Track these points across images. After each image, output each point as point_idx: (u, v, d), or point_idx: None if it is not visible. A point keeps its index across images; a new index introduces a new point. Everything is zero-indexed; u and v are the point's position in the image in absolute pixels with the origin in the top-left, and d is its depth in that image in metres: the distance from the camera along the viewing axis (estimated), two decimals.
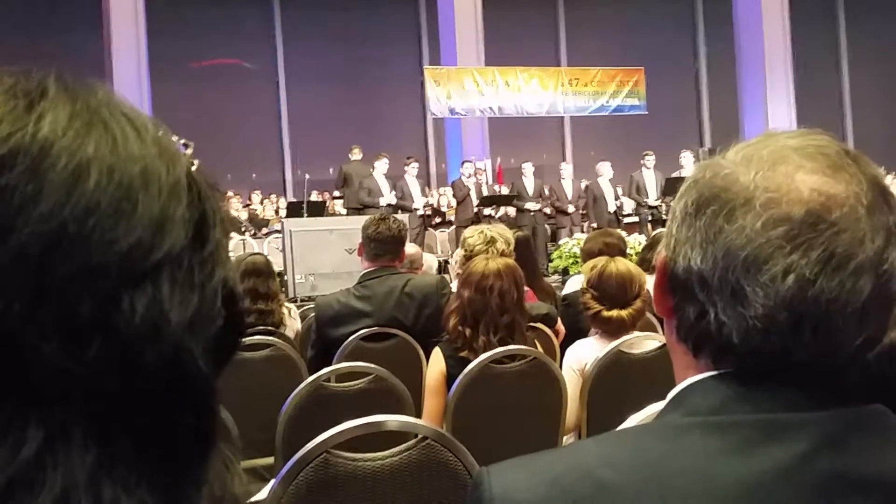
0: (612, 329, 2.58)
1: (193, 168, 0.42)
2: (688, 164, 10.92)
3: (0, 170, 0.34)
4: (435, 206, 11.63)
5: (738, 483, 0.56)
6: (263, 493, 1.42)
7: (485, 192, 10.55)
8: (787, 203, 0.60)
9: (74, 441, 0.34)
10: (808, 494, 0.57)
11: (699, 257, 0.62)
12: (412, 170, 10.03)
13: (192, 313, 0.38)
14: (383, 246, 3.07)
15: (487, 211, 9.98)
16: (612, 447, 0.62)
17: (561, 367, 2.59)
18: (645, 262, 3.94)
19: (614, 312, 2.56)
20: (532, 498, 0.58)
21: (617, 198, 11.04)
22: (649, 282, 3.70)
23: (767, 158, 0.63)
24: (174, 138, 0.43)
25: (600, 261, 2.67)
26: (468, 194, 10.21)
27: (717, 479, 0.57)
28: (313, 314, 3.24)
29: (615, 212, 10.92)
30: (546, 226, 10.85)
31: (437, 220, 11.38)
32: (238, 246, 9.14)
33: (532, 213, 10.49)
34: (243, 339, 0.45)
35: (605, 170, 11.13)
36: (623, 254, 3.77)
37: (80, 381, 0.34)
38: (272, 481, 1.42)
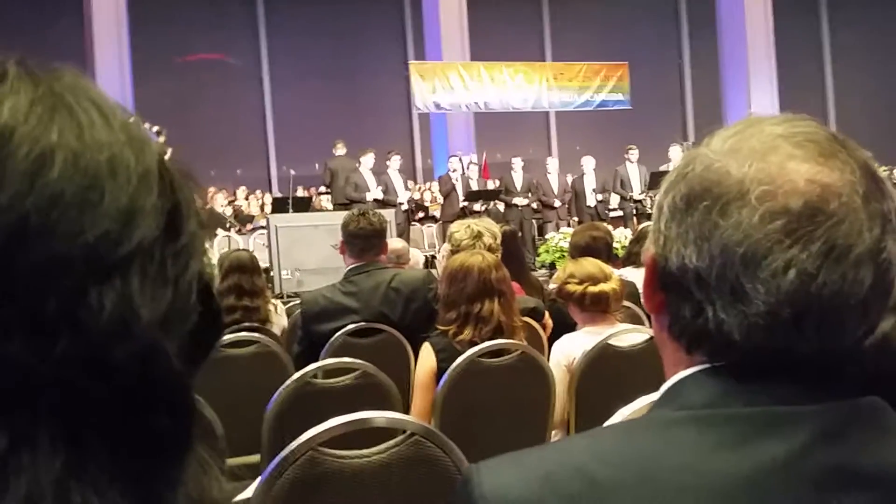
0: (602, 307, 2.60)
1: (166, 156, 0.40)
2: (676, 158, 10.95)
3: None
4: (418, 200, 11.59)
5: (733, 477, 0.55)
6: (249, 492, 1.40)
7: (473, 187, 10.53)
8: (783, 195, 0.58)
9: (41, 445, 0.33)
10: (804, 489, 0.55)
11: (694, 255, 0.60)
12: (395, 163, 10.00)
13: (165, 309, 0.36)
14: (366, 241, 3.06)
15: (476, 206, 9.94)
16: (604, 443, 0.61)
17: (549, 360, 2.58)
18: (632, 256, 3.95)
19: (600, 286, 2.58)
20: (523, 495, 0.57)
21: (603, 191, 11.06)
22: (634, 274, 3.72)
23: (758, 148, 0.61)
24: (146, 125, 0.41)
25: (568, 262, 2.85)
26: (453, 189, 10.20)
27: (711, 473, 0.56)
28: (299, 310, 3.22)
29: (596, 206, 10.94)
30: (533, 220, 10.86)
31: (420, 214, 11.34)
32: (223, 242, 9.08)
33: (520, 208, 10.49)
34: (222, 336, 0.43)
35: (588, 165, 11.15)
36: (609, 247, 3.78)
37: (46, 381, 0.33)
38: (257, 479, 1.40)
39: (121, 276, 0.34)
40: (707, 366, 0.62)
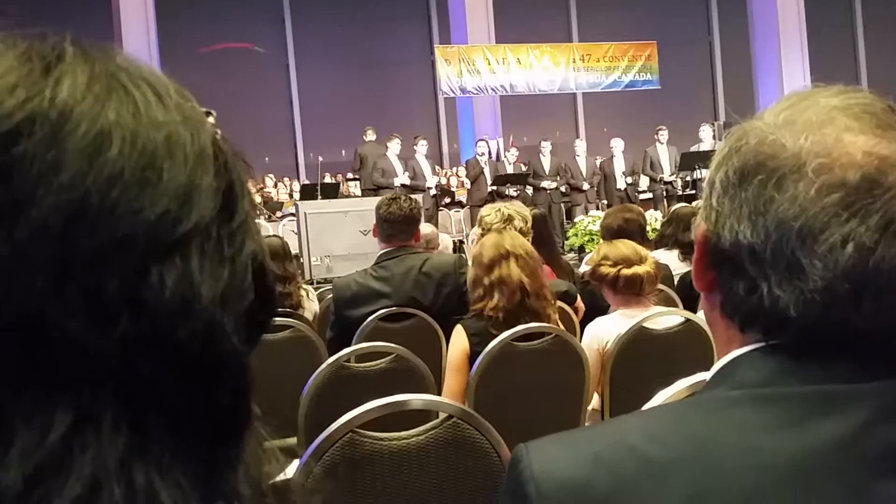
0: (636, 291, 2.57)
1: (218, 136, 0.40)
2: (706, 138, 10.79)
3: (17, 137, 0.32)
4: (444, 185, 11.58)
5: (790, 457, 0.54)
6: (289, 472, 1.42)
7: (509, 170, 10.48)
8: (840, 168, 0.57)
9: (104, 424, 0.33)
10: (863, 468, 0.54)
11: (749, 230, 0.59)
12: (422, 148, 10.00)
13: (224, 287, 0.36)
14: (396, 226, 3.05)
15: (510, 191, 9.88)
16: (656, 422, 0.60)
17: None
18: (664, 238, 3.91)
19: (634, 269, 2.55)
20: (574, 475, 0.56)
21: (632, 174, 10.95)
22: (667, 257, 3.67)
23: (813, 121, 0.60)
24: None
25: (602, 243, 2.81)
26: (481, 173, 10.17)
27: (768, 453, 0.54)
28: (331, 295, 3.23)
29: (625, 189, 10.83)
30: (561, 204, 10.80)
31: (447, 199, 11.33)
32: None
33: (548, 192, 10.43)
34: (275, 314, 0.43)
35: (617, 147, 11.05)
36: (643, 229, 3.73)
37: (109, 360, 0.33)
38: (297, 460, 1.41)
39: (181, 254, 0.34)
40: (761, 344, 0.60)
